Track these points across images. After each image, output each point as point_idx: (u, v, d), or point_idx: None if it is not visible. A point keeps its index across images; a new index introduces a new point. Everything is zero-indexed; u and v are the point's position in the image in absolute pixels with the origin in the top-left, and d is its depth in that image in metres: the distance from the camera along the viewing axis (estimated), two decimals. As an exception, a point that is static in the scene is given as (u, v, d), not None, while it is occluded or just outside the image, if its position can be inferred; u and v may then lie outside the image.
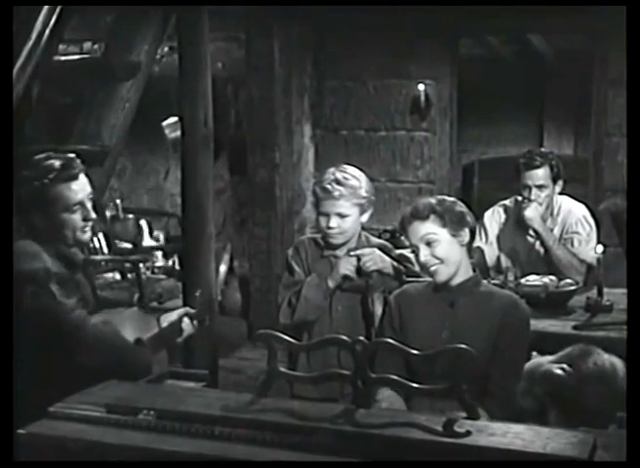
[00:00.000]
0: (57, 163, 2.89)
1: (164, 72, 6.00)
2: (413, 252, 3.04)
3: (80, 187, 2.91)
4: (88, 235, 2.97)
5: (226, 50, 6.58)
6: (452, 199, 3.09)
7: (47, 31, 3.65)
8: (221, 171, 6.67)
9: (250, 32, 5.98)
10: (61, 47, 4.89)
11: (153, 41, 4.10)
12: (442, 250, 2.98)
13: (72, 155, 2.96)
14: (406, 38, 5.93)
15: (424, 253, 2.99)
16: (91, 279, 3.12)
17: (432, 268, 3.01)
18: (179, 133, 4.23)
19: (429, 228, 2.97)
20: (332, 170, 3.36)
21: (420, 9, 5.44)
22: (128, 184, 7.25)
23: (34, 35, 3.60)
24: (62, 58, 4.48)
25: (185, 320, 3.04)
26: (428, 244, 2.98)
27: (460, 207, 3.06)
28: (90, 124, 3.97)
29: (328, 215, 3.31)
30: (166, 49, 6.39)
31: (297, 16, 5.81)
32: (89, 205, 2.94)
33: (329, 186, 3.28)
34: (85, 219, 2.92)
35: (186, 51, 4.03)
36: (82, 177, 2.93)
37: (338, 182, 3.28)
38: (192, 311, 3.11)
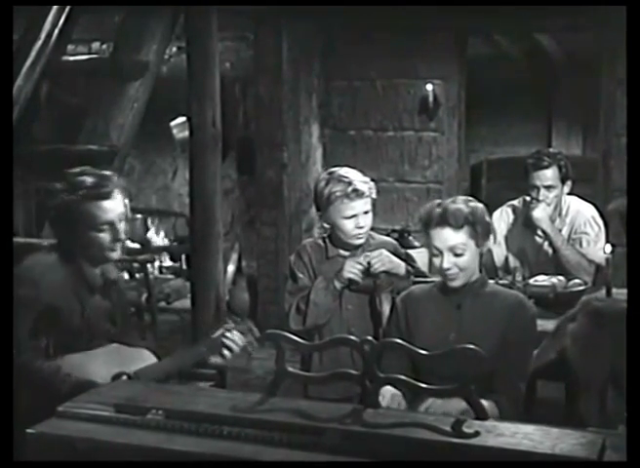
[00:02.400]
0: (89, 179, 2.84)
1: (172, 72, 6.01)
2: (434, 255, 3.01)
3: (112, 207, 2.85)
4: (116, 254, 2.92)
5: (235, 49, 6.59)
6: (481, 206, 3.04)
7: (56, 31, 3.65)
8: (229, 170, 6.68)
9: (258, 32, 5.98)
10: (70, 47, 4.89)
11: (162, 41, 4.10)
12: (466, 260, 2.96)
13: (109, 173, 2.90)
14: (414, 38, 5.93)
15: (449, 261, 2.95)
16: (117, 300, 3.05)
17: (451, 276, 2.99)
18: (187, 133, 4.24)
19: (461, 239, 2.94)
20: (334, 175, 3.32)
21: (428, 9, 5.44)
22: (136, 184, 7.27)
23: (43, 35, 3.61)
24: (71, 57, 4.49)
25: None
26: (455, 254, 2.96)
27: (488, 216, 3.05)
28: (98, 123, 3.98)
29: (356, 216, 3.31)
30: (174, 49, 6.40)
31: (305, 15, 5.81)
32: (120, 225, 2.87)
33: (360, 188, 3.28)
34: (114, 240, 2.87)
35: (195, 50, 4.03)
36: (116, 196, 2.86)
37: (361, 181, 3.30)
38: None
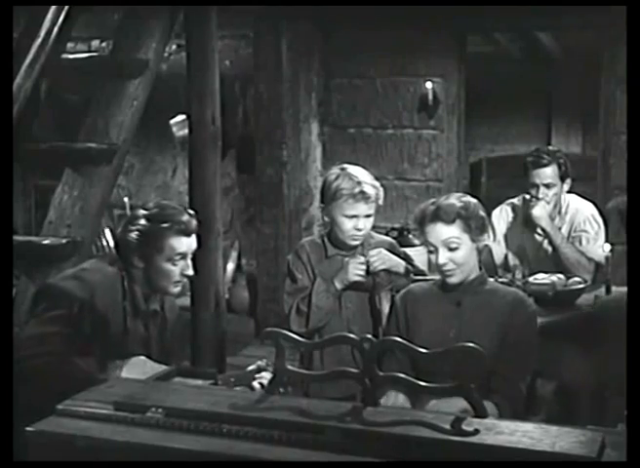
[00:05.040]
0: (177, 214, 2.97)
1: (172, 70, 6.01)
2: (430, 252, 3.02)
3: (190, 243, 2.99)
4: (178, 290, 3.03)
5: (234, 47, 6.58)
6: (474, 201, 3.05)
7: (55, 29, 3.65)
8: (229, 168, 6.68)
9: (258, 30, 5.97)
10: (70, 45, 4.88)
11: (161, 39, 4.08)
12: (462, 255, 2.96)
13: (192, 212, 3.04)
14: (413, 36, 5.92)
15: (444, 256, 2.96)
16: (157, 330, 3.11)
17: (448, 272, 2.99)
18: (186, 130, 4.23)
19: (454, 232, 2.95)
20: (345, 171, 3.32)
21: (428, 7, 5.43)
22: (136, 182, 7.26)
23: (42, 33, 3.60)
24: (71, 55, 4.47)
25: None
26: (450, 248, 2.96)
27: (482, 210, 3.05)
28: (98, 122, 3.96)
29: (357, 217, 3.30)
30: (174, 47, 6.39)
31: (304, 13, 5.81)
32: (189, 260, 2.99)
33: (368, 191, 3.27)
34: (181, 274, 2.98)
35: (194, 48, 4.03)
36: (194, 235, 3.01)
37: (371, 185, 3.28)
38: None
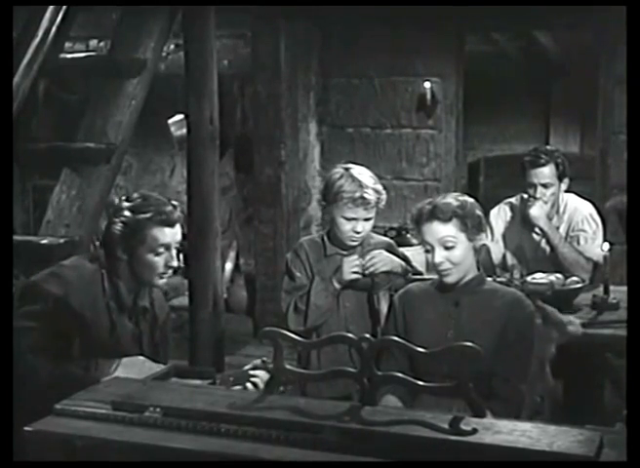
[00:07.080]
0: (158, 204, 2.93)
1: (170, 70, 6.00)
2: (427, 251, 3.01)
3: (173, 233, 2.95)
4: (163, 282, 3.02)
5: (233, 47, 6.58)
6: (471, 200, 3.04)
7: (53, 29, 3.65)
8: (227, 168, 6.68)
9: (256, 29, 5.97)
10: (68, 44, 4.88)
11: (159, 38, 4.08)
12: (458, 254, 2.96)
13: (176, 203, 3.00)
14: (412, 35, 5.92)
15: (440, 255, 2.95)
16: (147, 326, 3.09)
17: (445, 271, 2.99)
18: (184, 130, 4.23)
19: (450, 231, 2.94)
20: (349, 172, 3.31)
21: (427, 7, 5.43)
22: (134, 182, 7.26)
23: (40, 32, 3.60)
24: (69, 55, 4.47)
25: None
26: (446, 247, 2.96)
27: (479, 210, 3.04)
28: (96, 121, 3.96)
29: (356, 220, 3.29)
30: (172, 46, 6.39)
31: (303, 13, 5.81)
32: (173, 251, 2.96)
33: (368, 197, 3.26)
34: (166, 265, 2.95)
35: (193, 48, 4.03)
36: (177, 226, 2.97)
37: (373, 190, 3.27)
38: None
